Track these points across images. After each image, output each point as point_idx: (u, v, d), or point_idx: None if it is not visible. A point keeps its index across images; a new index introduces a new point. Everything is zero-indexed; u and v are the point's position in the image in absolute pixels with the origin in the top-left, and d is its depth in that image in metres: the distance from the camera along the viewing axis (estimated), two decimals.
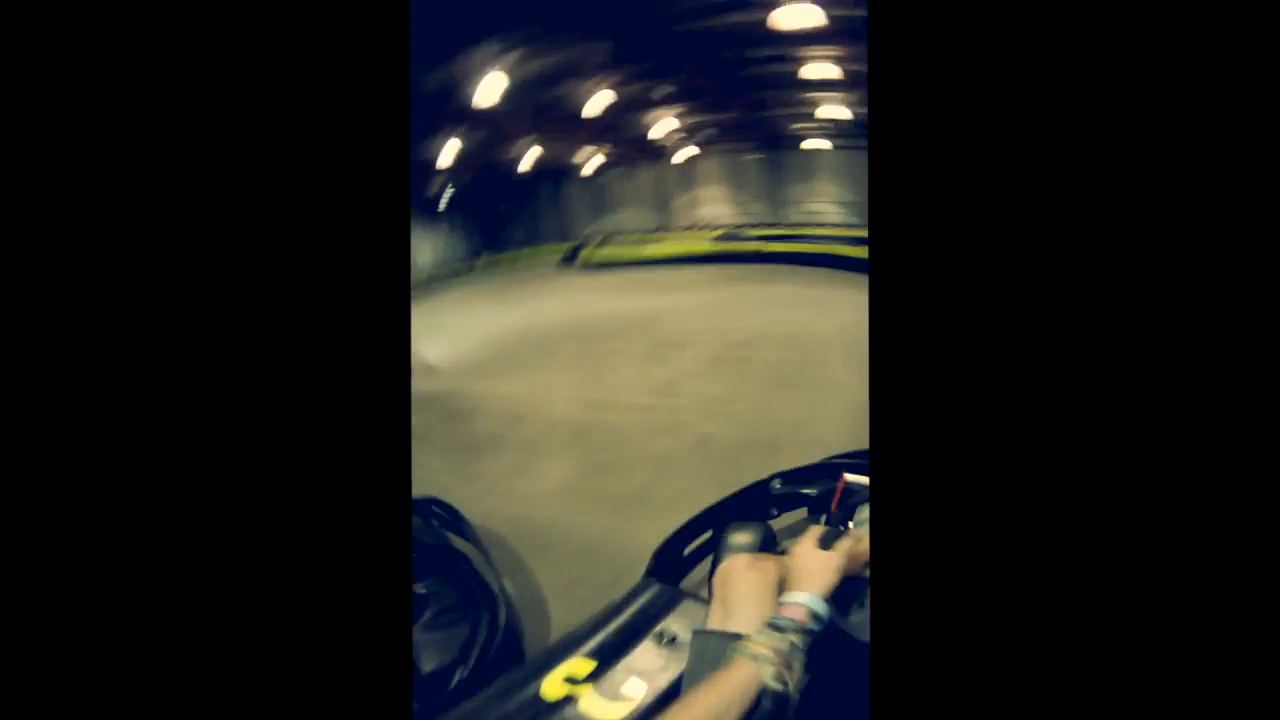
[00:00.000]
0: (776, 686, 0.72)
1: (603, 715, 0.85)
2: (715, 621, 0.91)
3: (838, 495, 1.13)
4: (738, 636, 0.84)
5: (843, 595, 0.83)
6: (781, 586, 0.90)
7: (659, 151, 12.44)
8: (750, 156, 12.35)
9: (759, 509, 1.58)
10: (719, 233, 11.82)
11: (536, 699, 0.89)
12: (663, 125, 10.76)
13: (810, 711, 0.75)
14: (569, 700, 0.88)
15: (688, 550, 1.48)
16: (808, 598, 0.80)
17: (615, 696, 0.88)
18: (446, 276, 12.30)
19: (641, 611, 1.07)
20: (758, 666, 0.72)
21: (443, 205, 12.46)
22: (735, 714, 0.69)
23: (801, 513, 1.65)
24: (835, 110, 9.12)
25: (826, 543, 0.86)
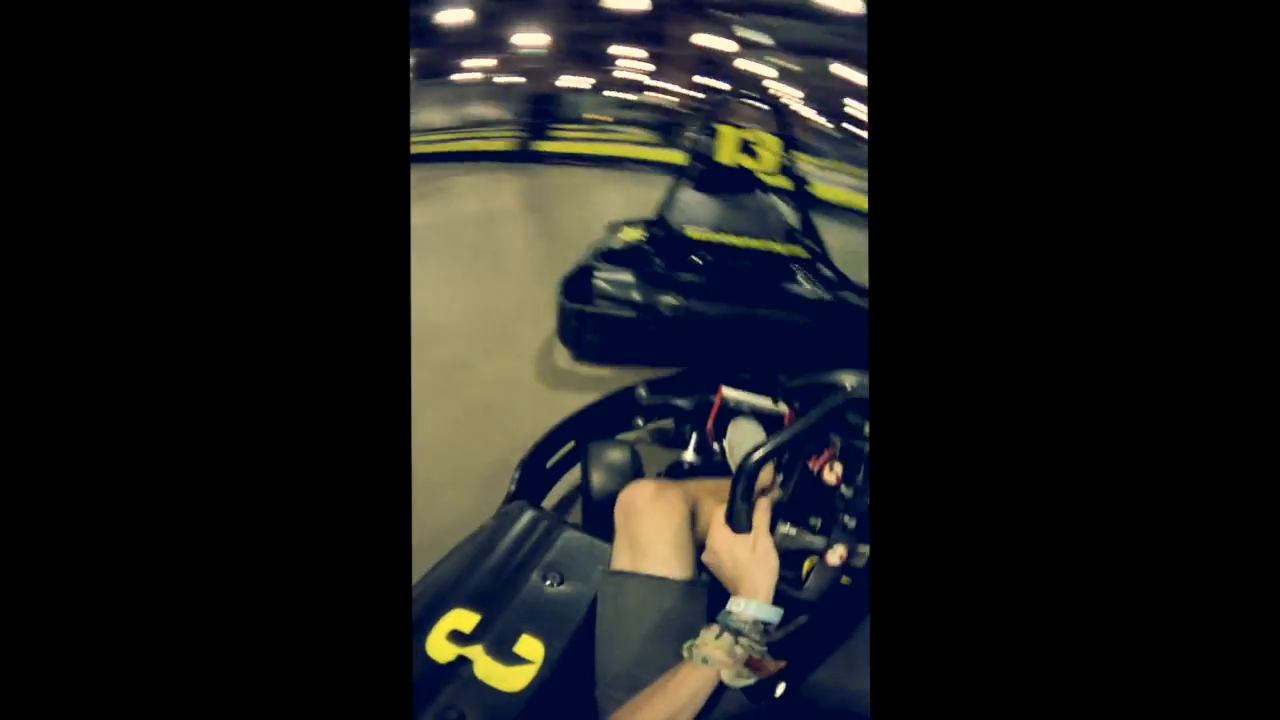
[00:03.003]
0: (739, 684, 0.67)
1: (503, 683, 0.73)
2: (624, 561, 0.81)
3: (715, 410, 1.05)
4: (653, 579, 0.76)
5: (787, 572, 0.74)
6: (693, 518, 0.82)
7: None
8: None
9: (623, 419, 1.48)
10: None
11: (425, 659, 0.75)
12: None
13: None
14: (462, 663, 0.75)
15: (550, 463, 1.35)
16: (756, 608, 0.69)
17: (510, 659, 0.76)
18: None
19: (516, 544, 0.92)
20: (712, 670, 0.66)
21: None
22: (689, 715, 0.65)
23: (667, 422, 1.55)
24: None
25: (738, 522, 0.73)
